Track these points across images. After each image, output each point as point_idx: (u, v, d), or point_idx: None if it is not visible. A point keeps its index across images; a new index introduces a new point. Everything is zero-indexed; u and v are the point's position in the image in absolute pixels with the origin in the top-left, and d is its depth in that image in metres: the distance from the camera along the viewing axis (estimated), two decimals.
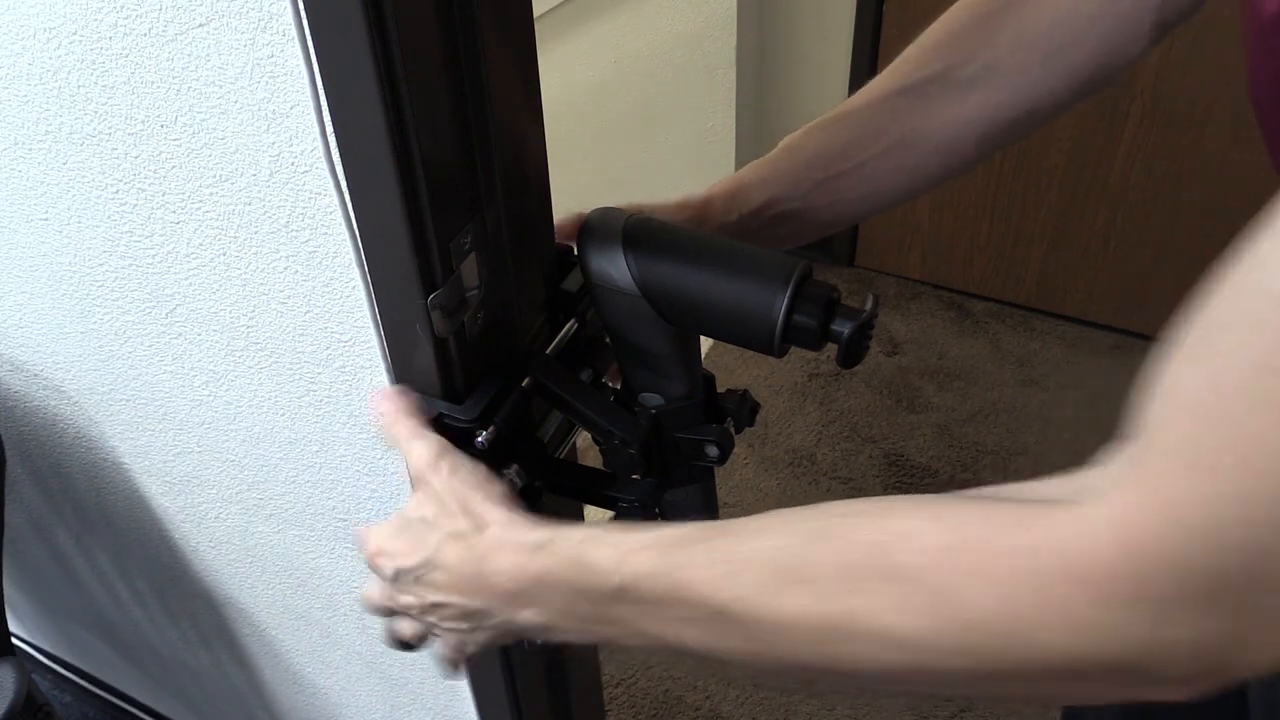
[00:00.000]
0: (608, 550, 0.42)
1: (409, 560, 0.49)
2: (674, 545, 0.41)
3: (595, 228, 0.53)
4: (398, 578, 0.49)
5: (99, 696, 1.47)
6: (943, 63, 0.59)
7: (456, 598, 0.48)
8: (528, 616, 0.46)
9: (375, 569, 0.51)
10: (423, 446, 0.50)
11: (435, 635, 0.52)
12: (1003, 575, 0.32)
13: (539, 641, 0.58)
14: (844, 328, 0.50)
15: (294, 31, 0.43)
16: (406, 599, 0.50)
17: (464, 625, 0.49)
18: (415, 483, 0.50)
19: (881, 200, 0.63)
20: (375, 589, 0.52)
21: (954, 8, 0.60)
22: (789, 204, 0.62)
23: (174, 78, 0.50)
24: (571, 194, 0.65)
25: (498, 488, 0.49)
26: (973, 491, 0.36)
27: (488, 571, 0.46)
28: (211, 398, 0.70)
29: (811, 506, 0.39)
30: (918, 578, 0.33)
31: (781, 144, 0.63)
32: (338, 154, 0.46)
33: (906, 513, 0.35)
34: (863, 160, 0.61)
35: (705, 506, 0.63)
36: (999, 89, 0.59)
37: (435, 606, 0.49)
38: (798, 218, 0.63)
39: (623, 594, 0.41)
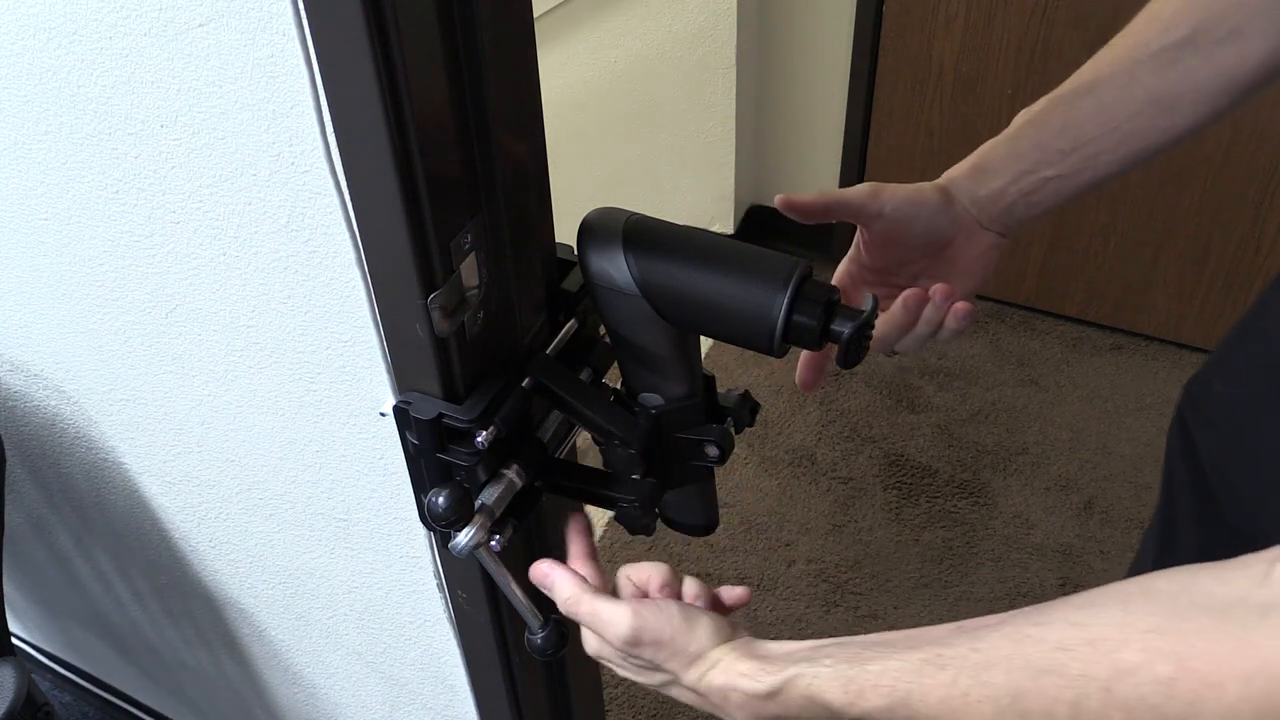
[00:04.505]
0: (836, 692, 0.46)
1: (637, 678, 0.54)
2: (902, 679, 0.44)
3: (595, 228, 0.53)
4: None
5: (99, 696, 1.47)
6: (1189, 27, 0.59)
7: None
8: None
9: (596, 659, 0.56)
10: (613, 627, 0.52)
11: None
12: (1224, 707, 0.35)
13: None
14: (844, 328, 0.50)
15: (294, 31, 0.43)
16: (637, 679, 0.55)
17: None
18: (619, 647, 0.53)
19: (1134, 161, 0.63)
20: (596, 649, 0.56)
21: None
22: (1039, 175, 0.63)
23: (174, 78, 0.50)
24: (571, 194, 0.65)
25: (701, 629, 0.52)
26: (1178, 586, 0.39)
27: (721, 710, 0.51)
28: (211, 398, 0.70)
29: (1030, 624, 0.42)
30: (1142, 704, 0.36)
31: (1019, 120, 0.64)
32: (338, 154, 0.46)
33: (1125, 643, 0.38)
34: (1113, 126, 0.61)
35: (705, 507, 0.63)
36: (1251, 48, 0.58)
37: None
38: (1050, 187, 0.63)
39: None
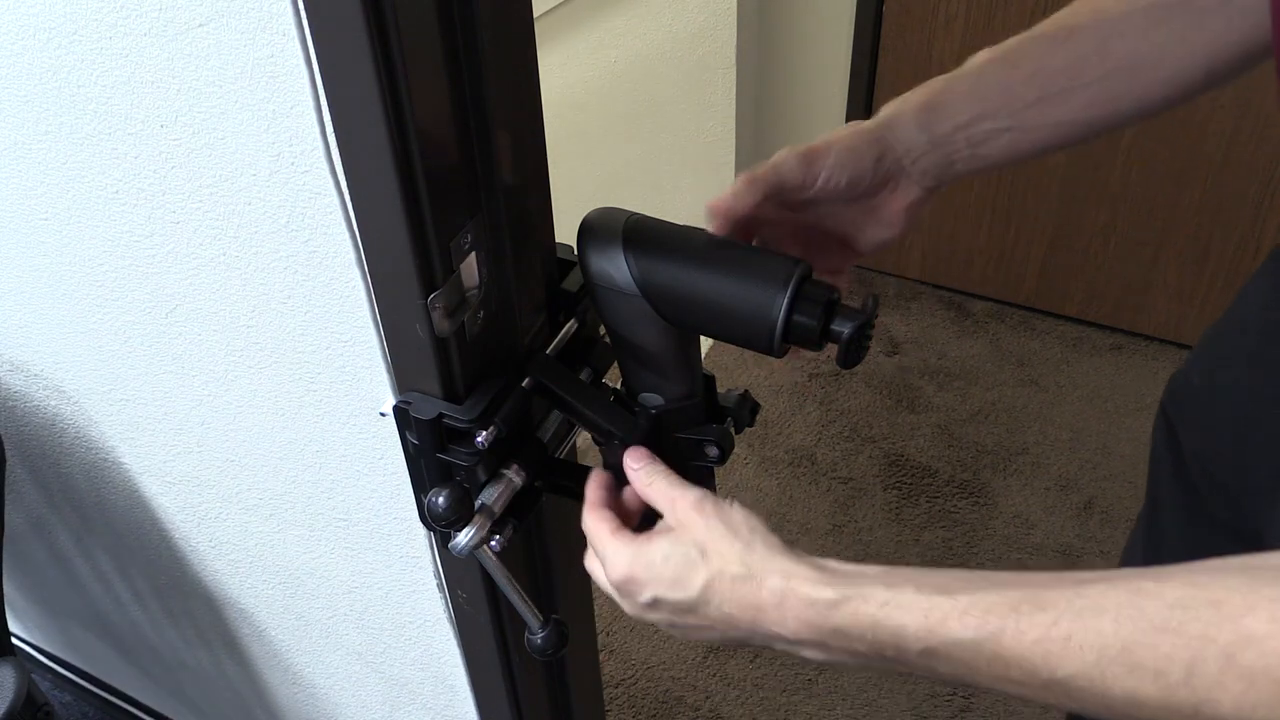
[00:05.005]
0: (916, 616, 0.42)
1: (670, 595, 0.49)
2: (994, 613, 0.41)
3: (595, 228, 0.53)
4: (654, 604, 0.50)
5: (99, 696, 1.47)
6: None
7: (719, 630, 0.49)
8: (808, 654, 0.46)
9: (622, 593, 0.51)
10: (684, 492, 0.51)
11: (664, 629, 0.53)
12: None
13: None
14: (844, 328, 0.50)
15: (294, 31, 0.43)
16: (654, 616, 0.50)
17: (712, 637, 0.50)
18: (677, 526, 0.50)
19: (1094, 127, 0.58)
20: (606, 583, 0.52)
21: None
22: (996, 122, 0.57)
23: (174, 78, 0.50)
24: (571, 194, 0.65)
25: (766, 534, 0.49)
26: None
27: (769, 620, 0.46)
28: (211, 398, 0.70)
29: (1144, 578, 0.39)
30: (1265, 676, 0.35)
31: (983, 57, 0.58)
32: (338, 154, 0.46)
33: (1247, 610, 0.36)
34: (1086, 82, 0.56)
35: None
36: (1239, 21, 0.55)
37: (687, 626, 0.50)
38: (1001, 140, 0.57)
39: (932, 654, 0.42)
